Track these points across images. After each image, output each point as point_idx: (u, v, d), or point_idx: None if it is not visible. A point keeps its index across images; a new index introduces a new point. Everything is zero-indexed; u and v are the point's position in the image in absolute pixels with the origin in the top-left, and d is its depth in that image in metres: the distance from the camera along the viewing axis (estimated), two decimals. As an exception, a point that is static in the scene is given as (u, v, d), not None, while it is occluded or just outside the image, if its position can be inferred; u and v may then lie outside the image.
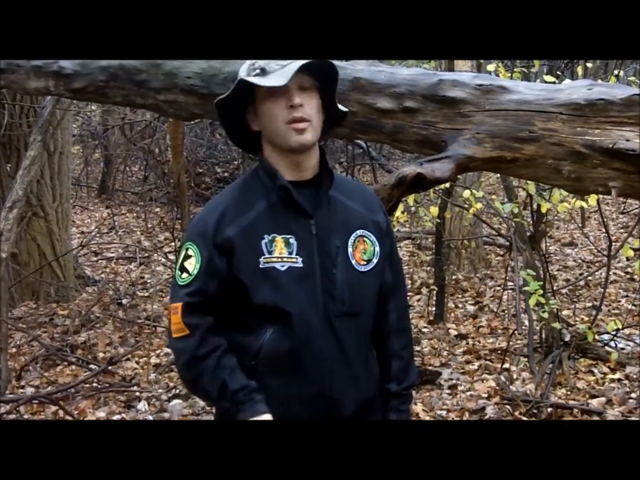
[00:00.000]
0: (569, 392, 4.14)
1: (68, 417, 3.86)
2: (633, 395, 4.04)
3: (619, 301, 5.86)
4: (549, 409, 3.86)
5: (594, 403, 3.96)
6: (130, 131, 10.05)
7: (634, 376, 4.29)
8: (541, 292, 4.09)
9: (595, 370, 4.44)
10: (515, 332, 4.87)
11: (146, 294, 6.31)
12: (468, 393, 4.22)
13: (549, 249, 6.91)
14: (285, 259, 1.67)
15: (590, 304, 5.78)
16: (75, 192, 10.31)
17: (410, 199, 4.87)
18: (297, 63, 1.65)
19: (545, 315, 4.23)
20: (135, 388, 4.41)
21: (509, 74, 4.63)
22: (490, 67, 4.60)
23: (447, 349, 5.00)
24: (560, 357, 4.41)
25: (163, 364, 4.75)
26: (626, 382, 4.25)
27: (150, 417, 4.02)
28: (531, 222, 5.25)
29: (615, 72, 5.26)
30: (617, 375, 4.33)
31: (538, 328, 4.67)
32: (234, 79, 1.75)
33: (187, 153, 8.42)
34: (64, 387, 4.24)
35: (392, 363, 1.83)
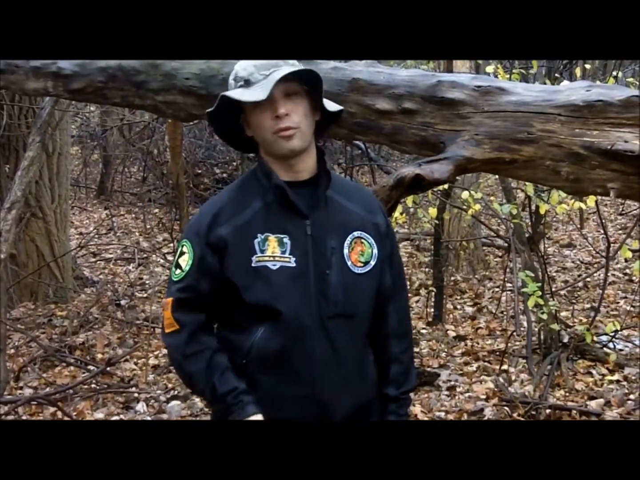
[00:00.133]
0: (567, 394, 4.13)
1: (66, 418, 3.85)
2: (632, 396, 4.04)
3: (618, 302, 5.86)
4: (548, 411, 3.85)
5: (593, 404, 3.96)
6: (129, 132, 10.05)
7: (633, 377, 4.29)
8: (540, 293, 4.09)
9: (594, 372, 4.43)
10: (514, 333, 4.88)
11: (145, 295, 6.29)
12: (466, 394, 4.22)
13: (547, 250, 6.90)
14: (277, 258, 1.67)
15: (588, 305, 5.78)
16: (73, 193, 10.27)
17: (409, 200, 4.86)
18: (280, 72, 1.65)
19: (544, 316, 4.23)
20: (133, 389, 4.40)
21: (508, 76, 4.63)
22: (489, 68, 4.61)
23: (446, 350, 5.00)
24: (558, 359, 4.41)
25: (161, 365, 4.74)
26: (625, 383, 4.25)
27: (148, 418, 4.01)
28: (530, 223, 5.25)
29: (614, 73, 5.27)
30: (616, 377, 4.32)
31: (536, 329, 4.67)
32: (233, 80, 1.75)
33: (185, 154, 8.41)
34: (63, 388, 4.23)
35: (391, 367, 1.82)
